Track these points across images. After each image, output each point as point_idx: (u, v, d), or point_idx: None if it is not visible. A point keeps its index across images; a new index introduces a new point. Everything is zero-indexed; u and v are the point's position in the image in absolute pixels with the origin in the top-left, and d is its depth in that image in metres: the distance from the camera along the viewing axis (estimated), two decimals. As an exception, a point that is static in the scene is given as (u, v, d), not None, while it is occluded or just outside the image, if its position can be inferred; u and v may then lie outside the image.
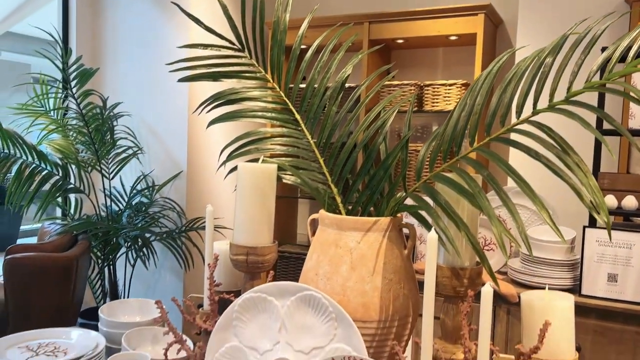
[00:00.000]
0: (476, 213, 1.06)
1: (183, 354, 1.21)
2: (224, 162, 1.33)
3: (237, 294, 1.17)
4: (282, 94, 1.32)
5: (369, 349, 1.02)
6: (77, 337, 1.22)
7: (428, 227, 0.96)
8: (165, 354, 1.13)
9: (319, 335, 0.98)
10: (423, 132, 3.31)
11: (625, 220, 2.23)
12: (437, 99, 3.01)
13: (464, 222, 0.94)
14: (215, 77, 1.34)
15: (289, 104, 1.31)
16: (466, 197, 0.92)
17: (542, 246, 2.02)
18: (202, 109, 1.34)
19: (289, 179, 1.23)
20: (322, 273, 1.07)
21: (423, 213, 1.08)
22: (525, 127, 0.95)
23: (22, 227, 4.13)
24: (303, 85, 1.32)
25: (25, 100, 2.83)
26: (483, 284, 0.85)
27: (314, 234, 1.18)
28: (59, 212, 3.35)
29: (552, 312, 0.91)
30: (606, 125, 2.17)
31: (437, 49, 3.28)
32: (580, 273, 1.97)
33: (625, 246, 1.89)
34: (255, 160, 1.20)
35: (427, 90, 3.01)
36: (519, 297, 2.01)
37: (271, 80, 1.33)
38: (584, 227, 1.97)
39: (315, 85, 1.28)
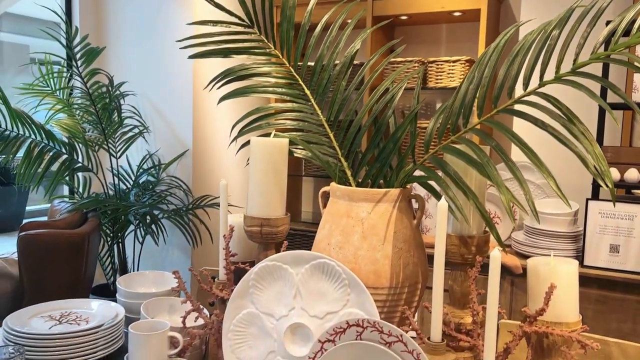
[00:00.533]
0: (483, 184, 1.09)
1: (200, 322, 1.25)
2: (236, 138, 1.36)
3: (251, 264, 1.22)
4: (292, 70, 1.34)
5: (380, 314, 1.06)
6: (97, 307, 1.27)
7: (437, 197, 1.00)
8: (184, 322, 1.18)
9: (333, 300, 1.02)
10: (427, 109, 3.32)
11: (627, 193, 2.26)
12: (440, 75, 3.02)
13: (473, 191, 0.97)
14: (225, 53, 1.36)
15: (299, 79, 1.33)
16: (475, 166, 0.95)
17: (545, 219, 2.06)
18: (213, 86, 1.36)
19: (300, 153, 1.26)
20: (335, 242, 1.11)
21: (432, 184, 1.11)
22: (532, 98, 0.98)
23: (28, 208, 4.16)
24: (311, 64, 1.34)
25: (26, 81, 2.85)
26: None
27: (325, 206, 1.21)
28: (65, 191, 3.39)
29: (557, 277, 0.95)
30: (609, 100, 2.19)
31: (440, 25, 3.27)
32: (582, 244, 2.02)
33: (627, 218, 1.93)
34: (266, 135, 1.23)
35: (431, 66, 3.01)
36: (523, 268, 2.06)
37: (281, 56, 1.35)
38: (587, 200, 2.01)
39: (324, 62, 1.30)
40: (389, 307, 1.08)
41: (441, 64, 2.99)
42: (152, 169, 3.15)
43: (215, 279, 1.23)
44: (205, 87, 1.35)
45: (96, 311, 1.25)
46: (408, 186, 1.13)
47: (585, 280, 1.97)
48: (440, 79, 3.00)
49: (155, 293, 1.34)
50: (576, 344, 0.93)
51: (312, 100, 1.30)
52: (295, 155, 1.26)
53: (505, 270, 2.08)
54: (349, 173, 1.23)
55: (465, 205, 1.03)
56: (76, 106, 2.86)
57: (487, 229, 1.11)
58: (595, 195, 2.11)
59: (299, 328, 1.03)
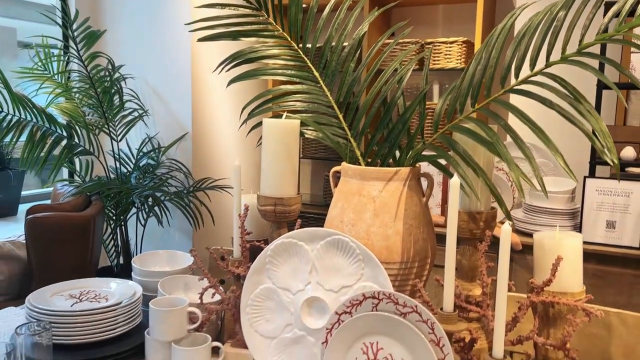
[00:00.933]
0: (490, 163, 1.13)
1: (216, 298, 1.30)
2: (246, 120, 1.39)
3: (265, 242, 1.25)
4: (300, 52, 1.36)
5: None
6: (115, 286, 1.30)
7: (448, 174, 1.04)
8: (201, 298, 1.22)
9: (348, 275, 1.07)
10: (424, 90, 3.35)
11: (622, 171, 2.31)
12: (437, 56, 3.04)
13: (482, 168, 1.01)
14: (234, 36, 1.38)
15: (307, 61, 1.36)
16: (486, 145, 0.98)
17: (543, 196, 2.11)
18: (222, 69, 1.38)
19: (310, 134, 1.30)
20: (347, 220, 1.15)
21: (440, 163, 1.15)
22: (538, 78, 1.01)
23: (23, 193, 4.17)
24: (319, 45, 1.36)
25: (17, 65, 2.84)
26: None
27: (336, 185, 1.25)
28: (64, 174, 3.40)
29: (562, 249, 0.99)
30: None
31: (437, 6, 3.28)
32: (580, 221, 2.07)
33: (623, 194, 1.99)
34: (276, 117, 1.26)
35: (428, 48, 3.03)
36: (523, 245, 2.11)
37: (289, 39, 1.37)
38: (585, 177, 2.06)
39: (333, 44, 1.33)
40: (400, 281, 1.13)
41: (438, 45, 3.01)
42: (151, 152, 3.17)
43: (231, 257, 1.26)
44: (215, 70, 1.37)
45: (114, 289, 1.29)
46: (417, 165, 1.17)
47: (583, 256, 2.02)
48: (437, 61, 3.02)
49: (170, 271, 1.38)
50: (581, 312, 0.98)
51: (321, 82, 1.33)
52: (307, 136, 1.29)
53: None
54: (358, 153, 1.26)
55: (474, 183, 1.07)
56: (75, 90, 2.87)
57: (493, 205, 1.16)
58: (592, 173, 2.16)
59: (315, 301, 1.07)
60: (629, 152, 2.07)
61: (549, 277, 0.95)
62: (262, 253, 1.13)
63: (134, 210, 2.97)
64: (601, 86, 2.16)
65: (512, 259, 2.18)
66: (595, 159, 2.19)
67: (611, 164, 0.86)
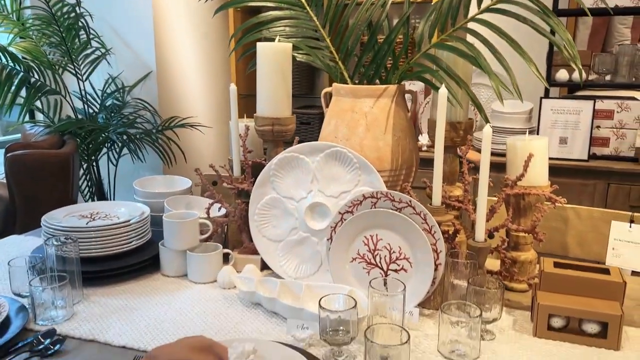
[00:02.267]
0: (469, 78, 1.26)
1: (221, 212, 1.40)
2: (235, 48, 1.46)
3: (265, 160, 1.36)
4: (286, -21, 1.42)
5: (384, 193, 1.24)
6: (123, 208, 1.38)
7: (434, 87, 1.16)
8: (207, 212, 1.33)
9: (346, 182, 1.19)
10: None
11: (571, 92, 2.52)
12: (398, -11, 3.10)
13: (464, 81, 1.14)
14: (220, -35, 1.42)
15: (293, -12, 1.42)
16: (468, 59, 1.11)
17: (503, 117, 2.29)
18: (208, -2, 1.43)
19: (301, 57, 1.38)
20: (341, 135, 1.26)
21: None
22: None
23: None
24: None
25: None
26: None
27: (327, 105, 1.35)
28: (27, 117, 3.35)
29: (531, 149, 1.15)
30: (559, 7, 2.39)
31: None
32: (536, 139, 2.28)
33: (574, 112, 2.19)
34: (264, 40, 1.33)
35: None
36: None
37: (274, -34, 1.43)
38: (541, 98, 2.25)
39: (317, -30, 1.39)
40: (390, 187, 1.26)
41: (399, -22, 3.06)
42: (116, 93, 3.15)
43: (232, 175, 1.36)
44: (201, -1, 1.42)
45: (123, 211, 1.37)
46: (403, 83, 1.29)
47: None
48: (397, -6, 3.09)
49: (172, 192, 1.47)
50: (546, 203, 1.14)
51: (308, 8, 1.41)
52: (298, 59, 1.37)
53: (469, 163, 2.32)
54: (346, 75, 1.37)
55: (456, 95, 1.20)
56: (34, 27, 2.79)
57: (470, 117, 1.29)
58: (546, 95, 2.35)
59: (317, 206, 1.20)
60: (577, 75, 2.26)
61: (522, 172, 1.11)
62: (266, 167, 1.24)
63: (104, 150, 2.98)
64: (557, 12, 2.32)
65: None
66: (550, 82, 2.37)
67: (576, 69, 1.01)
